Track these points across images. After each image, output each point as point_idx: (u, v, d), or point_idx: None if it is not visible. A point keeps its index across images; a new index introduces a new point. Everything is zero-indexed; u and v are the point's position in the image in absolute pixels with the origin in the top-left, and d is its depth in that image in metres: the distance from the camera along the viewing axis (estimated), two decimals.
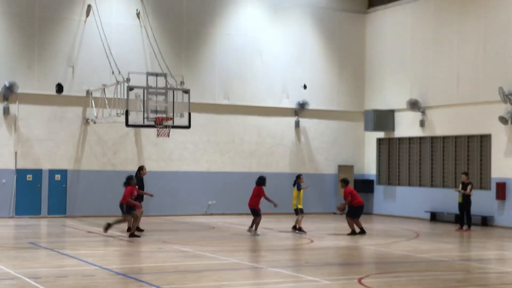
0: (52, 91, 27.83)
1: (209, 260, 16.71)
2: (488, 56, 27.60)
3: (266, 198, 22.14)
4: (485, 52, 27.70)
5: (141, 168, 23.00)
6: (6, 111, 27.19)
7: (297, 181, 23.09)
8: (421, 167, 30.34)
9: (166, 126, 24.31)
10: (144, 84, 24.51)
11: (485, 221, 27.08)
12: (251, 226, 22.29)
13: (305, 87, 31.86)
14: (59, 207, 27.99)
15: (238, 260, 16.79)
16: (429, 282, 14.23)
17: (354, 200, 22.73)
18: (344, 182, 23.14)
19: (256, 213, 22.18)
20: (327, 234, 23.07)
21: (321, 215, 31.03)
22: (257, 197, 22.23)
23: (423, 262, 17.01)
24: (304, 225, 23.49)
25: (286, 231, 23.33)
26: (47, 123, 27.95)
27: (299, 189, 22.99)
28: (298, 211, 23.05)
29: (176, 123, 24.68)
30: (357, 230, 22.78)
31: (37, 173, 27.76)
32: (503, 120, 26.38)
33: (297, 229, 23.10)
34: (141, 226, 22.52)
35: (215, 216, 29.46)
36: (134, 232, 21.08)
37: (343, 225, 23.86)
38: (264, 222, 23.78)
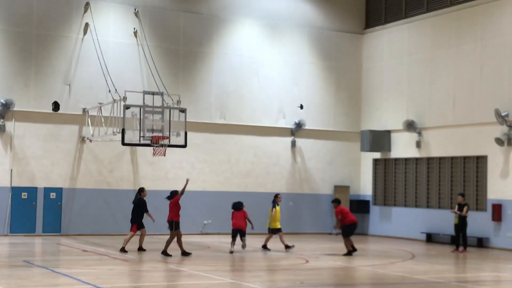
0: (49, 109, 27.79)
1: (204, 279, 16.62)
2: (484, 77, 27.68)
3: (248, 219, 22.78)
4: (481, 74, 27.79)
5: (141, 190, 23.02)
6: (2, 129, 27.15)
7: (275, 199, 23.63)
8: (417, 188, 30.32)
9: (162, 145, 24.28)
10: (141, 103, 24.48)
11: (481, 243, 27.02)
12: (233, 246, 22.65)
13: (301, 107, 31.86)
14: (54, 225, 27.88)
15: (233, 280, 16.70)
16: None
17: (346, 218, 22.66)
18: (336, 202, 23.16)
19: (244, 234, 22.66)
20: (323, 254, 22.99)
21: (316, 235, 30.94)
22: (244, 219, 22.75)
23: (419, 284, 16.93)
24: (299, 245, 23.38)
25: (281, 251, 23.27)
26: (43, 141, 27.90)
27: (274, 207, 23.48)
28: (269, 231, 23.60)
29: (172, 142, 24.65)
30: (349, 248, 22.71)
31: (32, 191, 27.67)
32: (499, 141, 26.41)
33: (286, 247, 23.43)
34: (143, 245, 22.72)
35: (210, 235, 29.36)
36: (184, 250, 21.42)
37: (339, 245, 23.78)
38: (259, 242, 23.76)
